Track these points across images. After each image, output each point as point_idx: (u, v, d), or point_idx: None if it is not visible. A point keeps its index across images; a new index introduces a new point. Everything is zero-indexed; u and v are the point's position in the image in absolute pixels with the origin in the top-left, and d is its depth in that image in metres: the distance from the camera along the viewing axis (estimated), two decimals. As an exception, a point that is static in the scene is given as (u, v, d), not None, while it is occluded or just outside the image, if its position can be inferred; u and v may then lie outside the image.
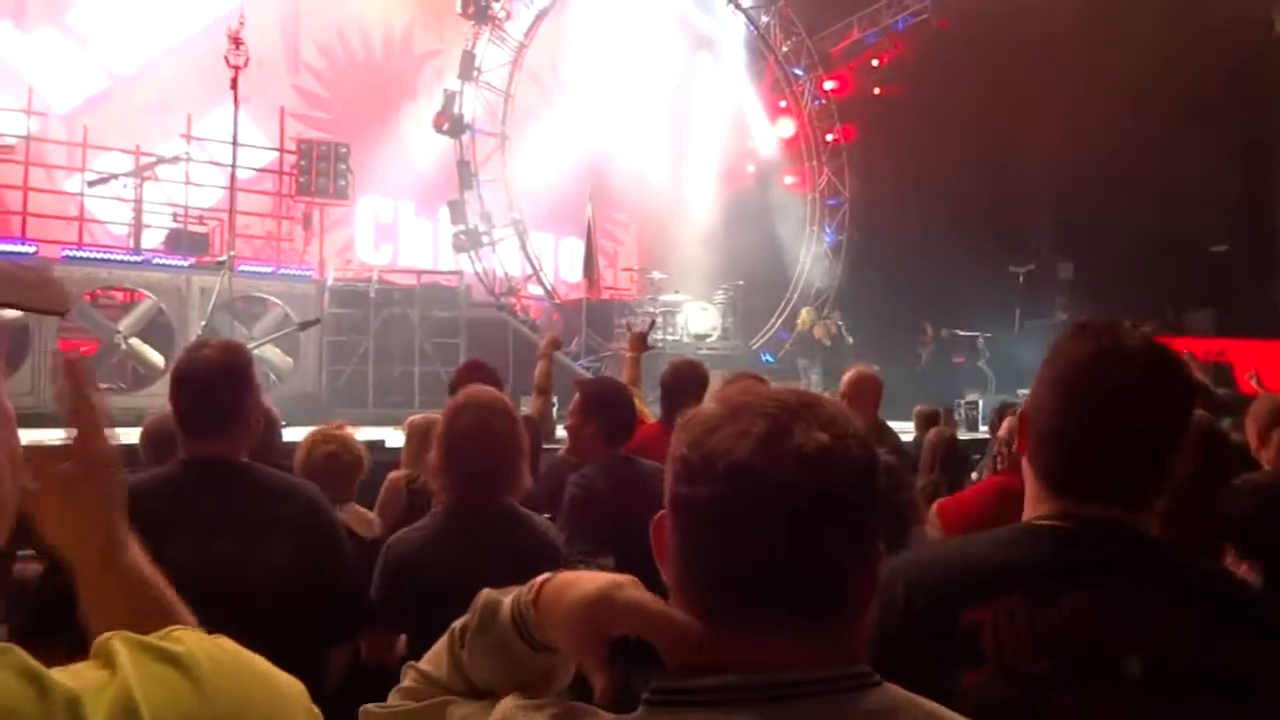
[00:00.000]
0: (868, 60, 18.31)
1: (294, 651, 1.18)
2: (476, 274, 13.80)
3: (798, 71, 17.87)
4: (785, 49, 17.82)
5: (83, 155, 11.93)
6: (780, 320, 16.97)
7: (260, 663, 0.73)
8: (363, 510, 3.31)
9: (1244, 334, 13.31)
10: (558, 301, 14.95)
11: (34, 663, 0.60)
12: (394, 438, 5.69)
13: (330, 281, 12.10)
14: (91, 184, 11.72)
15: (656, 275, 14.61)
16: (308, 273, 12.15)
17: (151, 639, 0.68)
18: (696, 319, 14.28)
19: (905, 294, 14.69)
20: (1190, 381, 1.38)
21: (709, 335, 14.33)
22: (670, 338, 13.45)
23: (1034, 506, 1.37)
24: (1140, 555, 1.31)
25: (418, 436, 3.59)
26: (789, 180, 18.38)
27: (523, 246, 14.28)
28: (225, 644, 0.72)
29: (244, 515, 2.30)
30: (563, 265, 16.51)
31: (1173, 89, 13.70)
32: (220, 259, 10.59)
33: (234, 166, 10.74)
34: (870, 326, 14.73)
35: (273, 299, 11.11)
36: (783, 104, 18.28)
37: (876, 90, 18.08)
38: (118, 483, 0.93)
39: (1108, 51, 13.33)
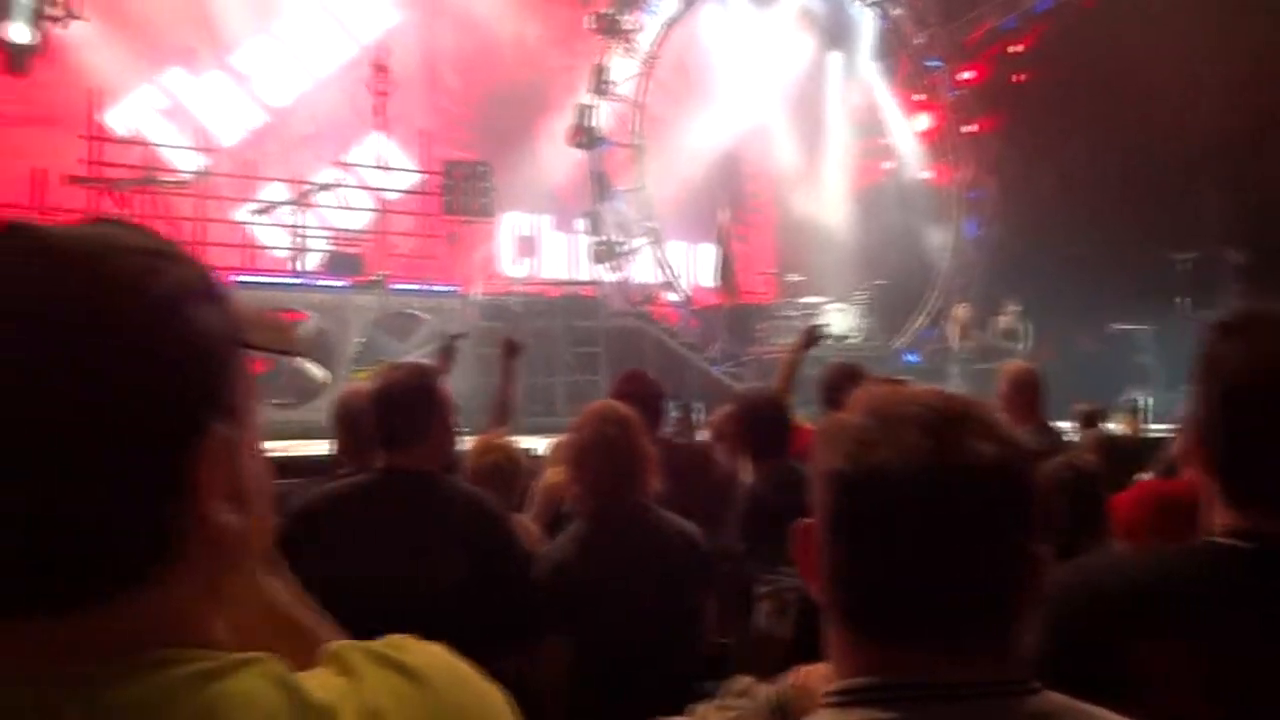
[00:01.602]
0: (1005, 47, 17.65)
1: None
2: (614, 283, 13.99)
3: (932, 63, 17.39)
4: (919, 41, 17.37)
5: (247, 186, 12.76)
6: (925, 318, 16.53)
7: (474, 672, 0.73)
8: (526, 520, 3.32)
9: None
10: (695, 308, 15.00)
11: (288, 672, 0.63)
12: (539, 446, 5.81)
13: (477, 296, 12.50)
14: (256, 213, 12.52)
15: (794, 277, 14.45)
16: (454, 289, 12.60)
17: (381, 647, 0.69)
18: (836, 320, 14.07)
19: (1054, 287, 14.05)
20: None
21: (850, 337, 14.09)
22: (810, 340, 13.25)
23: (1213, 515, 1.24)
24: None
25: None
26: (927, 174, 17.92)
27: (659, 254, 14.39)
28: (444, 652, 0.72)
29: (431, 524, 2.51)
30: (698, 271, 16.55)
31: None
32: (374, 278, 11.10)
33: (383, 190, 11.25)
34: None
35: (423, 315, 11.56)
36: (917, 97, 17.84)
37: (1016, 78, 17.40)
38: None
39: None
